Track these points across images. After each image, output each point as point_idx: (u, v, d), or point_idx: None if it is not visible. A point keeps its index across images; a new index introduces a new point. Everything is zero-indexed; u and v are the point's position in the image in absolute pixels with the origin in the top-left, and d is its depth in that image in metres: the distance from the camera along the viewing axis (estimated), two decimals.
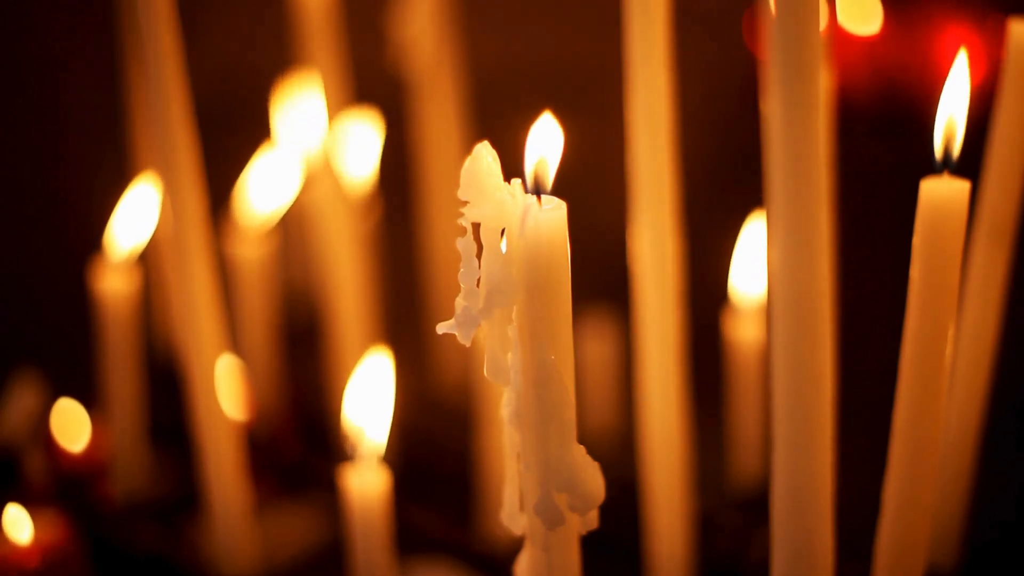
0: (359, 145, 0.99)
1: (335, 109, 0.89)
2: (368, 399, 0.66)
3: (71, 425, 0.85)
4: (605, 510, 0.48)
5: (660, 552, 0.70)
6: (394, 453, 0.82)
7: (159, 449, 0.89)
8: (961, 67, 0.52)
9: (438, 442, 0.92)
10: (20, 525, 0.74)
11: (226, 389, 0.75)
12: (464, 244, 0.45)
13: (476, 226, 0.45)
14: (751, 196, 0.84)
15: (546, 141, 0.47)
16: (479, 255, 0.45)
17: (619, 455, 0.81)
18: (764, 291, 0.84)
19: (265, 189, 0.97)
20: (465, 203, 0.45)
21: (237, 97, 1.18)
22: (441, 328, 0.46)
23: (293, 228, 1.07)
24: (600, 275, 0.89)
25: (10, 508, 0.74)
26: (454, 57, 1.00)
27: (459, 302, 0.45)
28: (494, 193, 0.45)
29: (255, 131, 1.00)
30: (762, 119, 0.61)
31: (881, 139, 0.97)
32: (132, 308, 0.86)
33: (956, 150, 0.51)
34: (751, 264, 0.85)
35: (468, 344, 0.46)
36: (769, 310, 0.49)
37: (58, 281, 1.08)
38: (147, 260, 0.94)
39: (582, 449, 0.46)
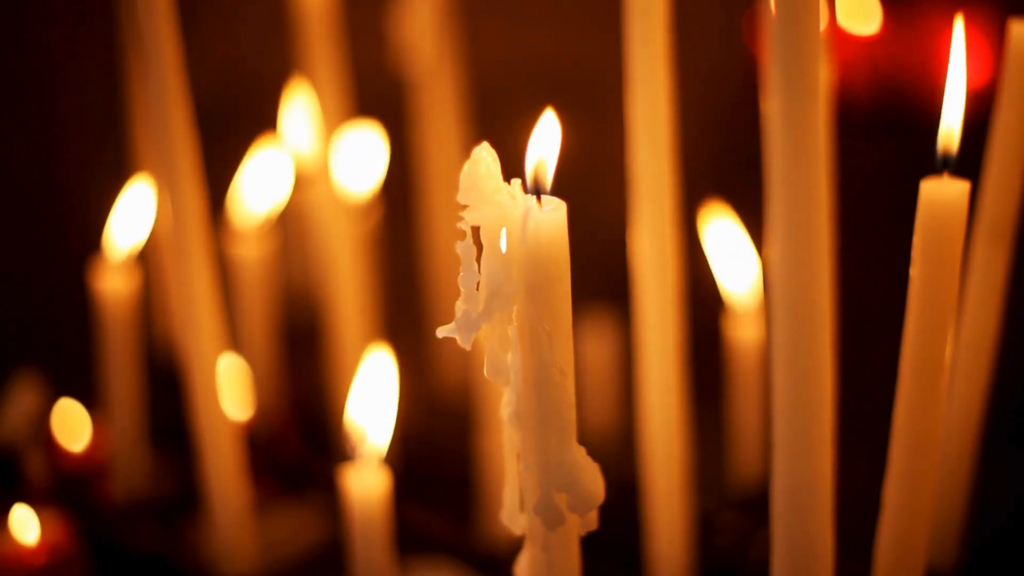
0: (359, 146, 0.99)
1: (334, 109, 0.89)
2: (370, 399, 0.66)
3: (72, 425, 0.85)
4: (605, 510, 0.48)
5: (660, 552, 0.70)
6: (394, 453, 0.82)
7: (159, 449, 0.89)
8: (959, 65, 0.52)
9: (438, 443, 0.92)
10: (27, 524, 0.74)
11: (226, 389, 0.75)
12: (464, 248, 0.45)
13: (476, 229, 0.45)
14: (751, 196, 0.85)
15: (546, 141, 0.47)
16: (479, 258, 0.45)
17: (619, 455, 0.81)
18: (755, 288, 0.85)
19: (261, 188, 0.97)
20: (465, 206, 0.45)
21: (237, 97, 1.18)
22: (441, 332, 0.46)
23: (293, 228, 1.07)
24: (600, 275, 0.89)
25: (17, 507, 0.75)
26: (454, 57, 1.00)
27: (459, 306, 0.45)
28: (493, 196, 0.44)
29: (255, 131, 1.00)
30: (762, 119, 0.61)
31: (881, 139, 0.97)
32: (132, 308, 0.86)
33: (955, 149, 0.51)
34: (731, 262, 0.85)
35: (468, 348, 0.46)
36: (769, 310, 0.49)
37: (58, 281, 1.08)
38: (147, 260, 0.94)
39: (582, 449, 0.46)
